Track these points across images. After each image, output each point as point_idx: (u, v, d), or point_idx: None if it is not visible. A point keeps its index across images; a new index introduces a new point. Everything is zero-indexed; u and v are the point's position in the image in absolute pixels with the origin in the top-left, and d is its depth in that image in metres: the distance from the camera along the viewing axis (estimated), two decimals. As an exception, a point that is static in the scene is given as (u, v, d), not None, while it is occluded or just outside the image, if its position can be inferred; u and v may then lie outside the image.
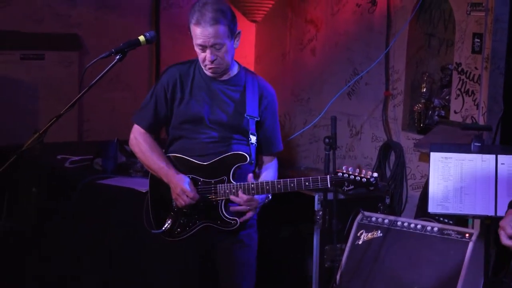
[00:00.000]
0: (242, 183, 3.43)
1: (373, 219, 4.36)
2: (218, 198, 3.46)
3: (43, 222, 4.88)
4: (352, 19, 5.77)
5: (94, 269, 4.57)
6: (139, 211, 4.53)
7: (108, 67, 3.31)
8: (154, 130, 3.61)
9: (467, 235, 4.07)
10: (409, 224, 4.25)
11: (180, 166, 3.51)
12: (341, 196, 5.00)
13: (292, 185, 3.36)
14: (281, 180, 3.39)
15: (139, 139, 3.59)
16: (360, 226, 4.37)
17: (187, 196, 3.42)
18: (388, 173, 5.40)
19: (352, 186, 3.23)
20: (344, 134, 5.79)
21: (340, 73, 5.85)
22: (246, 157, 3.45)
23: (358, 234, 4.35)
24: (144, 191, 4.52)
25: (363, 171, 3.27)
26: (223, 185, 3.46)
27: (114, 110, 6.32)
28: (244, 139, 3.51)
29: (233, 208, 3.47)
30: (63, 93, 5.93)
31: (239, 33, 3.49)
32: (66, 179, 4.88)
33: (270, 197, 3.52)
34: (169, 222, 3.51)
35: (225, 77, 3.54)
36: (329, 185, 3.30)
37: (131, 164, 4.91)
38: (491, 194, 3.75)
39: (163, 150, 3.59)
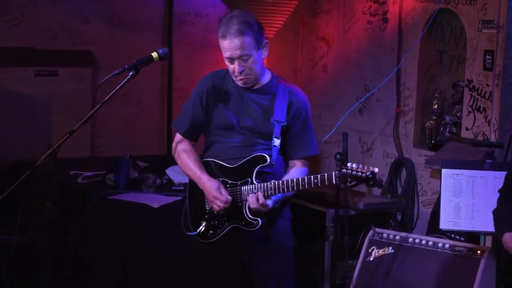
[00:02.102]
0: (262, 184, 3.54)
1: (385, 235, 4.35)
2: (243, 200, 3.58)
3: (56, 237, 4.90)
4: (363, 36, 5.79)
5: (107, 284, 4.58)
6: (151, 226, 4.56)
7: (121, 84, 3.34)
8: (191, 136, 3.76)
9: (478, 252, 4.05)
10: (421, 240, 4.25)
11: (214, 170, 3.66)
12: (353, 212, 5.00)
13: (303, 183, 3.48)
14: (294, 178, 3.50)
15: (177, 146, 3.75)
16: (372, 243, 4.37)
17: (220, 201, 3.56)
18: (400, 190, 5.40)
19: (355, 182, 3.38)
20: (355, 151, 5.79)
21: (352, 90, 5.86)
22: (266, 158, 3.56)
23: (369, 251, 4.35)
24: (156, 207, 4.55)
25: (365, 167, 3.35)
26: (246, 186, 3.58)
27: (126, 126, 6.35)
28: (269, 143, 3.61)
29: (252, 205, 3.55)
30: (76, 109, 5.96)
31: (266, 43, 3.60)
32: (79, 194, 4.90)
33: (278, 205, 3.61)
34: (203, 224, 3.66)
35: (256, 86, 3.65)
36: (334, 181, 3.41)
37: (143, 179, 4.93)
38: (503, 211, 3.73)
39: (199, 155, 3.73)
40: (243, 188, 3.58)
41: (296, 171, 3.68)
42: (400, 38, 5.44)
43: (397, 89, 5.46)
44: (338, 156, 4.59)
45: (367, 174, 3.32)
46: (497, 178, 3.79)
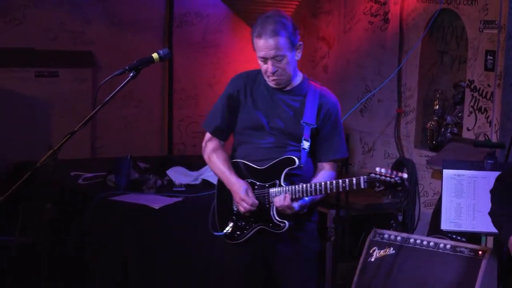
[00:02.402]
0: (290, 186, 3.52)
1: (386, 236, 4.35)
2: (271, 202, 3.56)
3: (57, 238, 4.90)
4: (364, 36, 5.79)
5: (107, 284, 4.58)
6: (152, 227, 4.55)
7: (122, 85, 3.33)
8: (221, 135, 3.74)
9: (480, 252, 4.05)
10: (422, 241, 4.24)
11: (242, 171, 3.64)
12: (354, 213, 5.00)
13: (331, 186, 3.45)
14: (322, 182, 3.48)
15: (207, 145, 3.73)
16: (373, 243, 4.36)
17: (246, 203, 3.54)
18: (401, 190, 5.39)
19: (383, 187, 3.34)
20: (357, 151, 5.79)
21: (352, 90, 5.86)
22: (295, 161, 3.54)
23: (371, 251, 4.34)
24: (156, 208, 4.55)
25: (394, 173, 3.34)
26: (274, 188, 3.56)
27: (127, 127, 6.35)
28: (299, 145, 3.59)
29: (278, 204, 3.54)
30: (77, 110, 5.97)
31: (300, 45, 3.58)
32: (80, 195, 4.90)
33: (305, 210, 3.58)
34: (230, 225, 3.64)
35: (287, 88, 3.64)
36: (362, 186, 3.38)
37: (144, 180, 4.93)
38: (504, 211, 3.73)
39: (229, 155, 3.72)
40: (271, 190, 3.56)
41: (324, 174, 3.64)
42: (401, 39, 5.43)
43: (398, 90, 5.45)
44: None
45: (396, 179, 3.31)
46: (498, 179, 3.77)
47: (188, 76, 6.54)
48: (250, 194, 3.57)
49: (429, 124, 5.26)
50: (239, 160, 3.67)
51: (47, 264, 4.80)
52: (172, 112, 6.48)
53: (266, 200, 3.58)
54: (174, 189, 4.96)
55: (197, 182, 5.07)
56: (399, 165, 5.43)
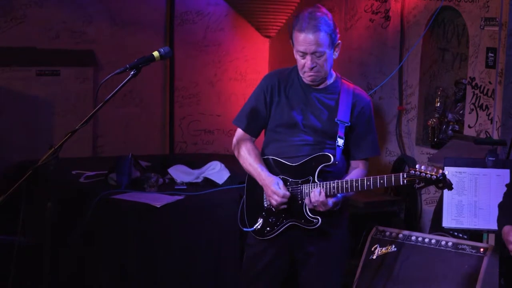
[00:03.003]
0: (324, 183, 3.50)
1: (387, 233, 4.35)
2: (304, 197, 3.54)
3: (58, 237, 4.90)
4: (365, 34, 5.79)
5: (109, 283, 4.59)
6: (154, 226, 4.56)
7: (123, 83, 3.33)
8: (253, 132, 3.71)
9: (481, 249, 4.05)
10: (423, 238, 4.24)
11: (273, 168, 3.62)
12: (355, 210, 5.00)
13: (368, 183, 3.42)
14: (359, 179, 3.45)
15: (238, 141, 3.71)
16: (374, 241, 4.36)
17: (277, 196, 3.51)
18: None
19: (423, 183, 3.30)
20: (358, 149, 5.78)
21: (354, 88, 5.85)
22: (330, 158, 3.51)
23: (372, 249, 4.34)
24: (158, 206, 4.55)
25: (434, 169, 3.30)
26: (308, 184, 3.53)
27: (128, 125, 6.36)
28: (333, 143, 3.58)
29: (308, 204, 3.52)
30: (78, 108, 5.98)
31: (339, 43, 3.56)
32: (81, 194, 4.90)
33: (338, 206, 3.55)
34: (260, 221, 3.63)
35: (321, 86, 3.62)
36: (401, 183, 3.34)
37: (145, 179, 4.93)
38: (505, 208, 3.73)
39: (260, 152, 3.70)
40: (304, 186, 3.54)
41: (357, 172, 3.63)
42: (402, 36, 5.43)
43: (399, 87, 5.46)
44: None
45: (438, 176, 3.26)
46: (499, 176, 3.78)
47: (189, 74, 6.55)
48: (282, 186, 3.53)
49: (430, 122, 5.26)
50: (271, 157, 3.65)
51: (49, 263, 4.80)
52: (173, 110, 6.48)
53: (299, 196, 3.55)
54: (175, 187, 4.96)
55: (199, 180, 5.07)
56: (400, 163, 5.45)
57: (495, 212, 3.74)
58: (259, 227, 3.62)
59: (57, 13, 6.05)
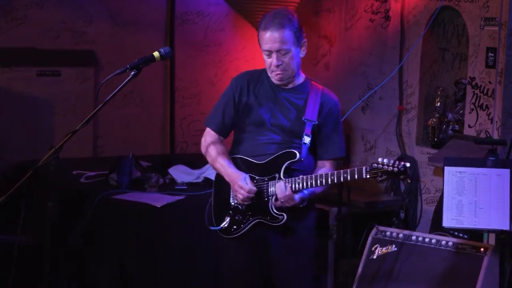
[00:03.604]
0: (290, 178, 3.53)
1: (388, 233, 4.35)
2: (270, 195, 3.57)
3: (58, 237, 4.91)
4: (365, 34, 5.79)
5: (109, 283, 4.59)
6: (154, 226, 4.56)
7: (123, 83, 3.33)
8: (222, 132, 3.77)
9: (482, 249, 4.05)
10: (424, 238, 4.24)
11: (241, 166, 3.66)
12: (356, 211, 5.00)
13: (332, 177, 3.46)
14: (323, 174, 3.49)
15: (207, 141, 3.76)
16: (375, 241, 4.36)
17: (244, 190, 3.55)
18: (403, 188, 5.40)
19: (385, 176, 3.35)
20: (359, 149, 5.79)
21: (354, 88, 5.86)
22: (296, 154, 3.55)
23: (373, 249, 4.35)
24: (159, 206, 4.56)
25: (396, 162, 3.33)
26: (274, 181, 3.57)
27: (128, 126, 6.35)
28: (299, 142, 3.62)
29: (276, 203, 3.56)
30: (79, 109, 5.98)
31: (305, 42, 3.64)
32: (82, 194, 4.91)
33: (305, 203, 3.59)
34: (227, 220, 3.66)
35: (290, 85, 3.67)
36: (364, 176, 3.37)
37: (146, 179, 4.93)
38: (505, 208, 3.73)
39: (228, 151, 3.75)
40: (271, 182, 3.58)
41: (325, 171, 3.63)
42: (402, 36, 5.44)
43: (399, 87, 5.46)
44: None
45: (400, 168, 3.30)
46: (499, 176, 3.78)
47: (189, 74, 6.54)
48: (249, 182, 3.58)
49: (430, 121, 5.26)
50: (238, 156, 3.70)
51: (49, 263, 4.80)
52: (174, 110, 6.48)
53: (265, 193, 3.59)
54: (176, 187, 4.97)
55: (199, 180, 5.07)
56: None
57: (495, 212, 3.75)
58: (226, 225, 3.65)
59: (57, 13, 6.04)
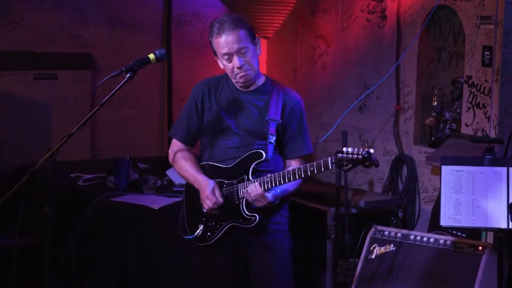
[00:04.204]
0: (258, 178, 3.54)
1: (386, 233, 4.36)
2: (240, 197, 3.58)
3: (57, 240, 4.91)
4: (362, 34, 5.79)
5: (107, 285, 4.60)
6: (152, 228, 4.56)
7: (118, 86, 3.34)
8: (188, 141, 3.78)
9: (480, 248, 4.06)
10: (422, 237, 4.25)
11: (209, 173, 3.67)
12: (354, 210, 5.00)
13: (299, 172, 3.46)
14: (290, 170, 3.49)
15: (174, 151, 3.77)
16: (373, 240, 4.37)
17: (210, 201, 3.56)
18: (401, 187, 5.40)
19: (351, 165, 3.32)
20: (356, 149, 5.78)
21: (351, 88, 5.86)
22: (262, 154, 3.57)
23: (371, 248, 4.35)
24: (156, 208, 4.56)
25: (360, 149, 3.32)
26: (243, 183, 3.58)
27: (126, 128, 6.37)
28: (265, 143, 3.62)
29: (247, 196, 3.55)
30: (76, 112, 5.99)
31: (258, 39, 3.63)
32: (79, 197, 4.91)
33: (277, 202, 3.59)
34: (200, 228, 3.66)
35: (252, 88, 3.68)
36: (330, 167, 3.36)
37: (143, 181, 4.94)
38: (503, 206, 3.73)
39: (196, 158, 3.75)
40: (240, 185, 3.59)
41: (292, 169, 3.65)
42: (399, 35, 5.44)
43: (396, 87, 5.46)
44: (338, 155, 4.60)
45: (363, 154, 3.29)
46: (496, 174, 3.78)
47: (187, 76, 6.55)
48: (217, 192, 3.59)
49: (427, 121, 5.27)
50: (206, 163, 3.70)
51: (49, 265, 4.81)
52: (171, 112, 6.49)
53: (235, 196, 3.60)
54: (174, 189, 4.97)
55: (197, 182, 5.07)
56: (398, 162, 5.45)
57: (492, 210, 3.75)
58: (200, 233, 3.65)
59: (54, 16, 6.05)
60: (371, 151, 3.33)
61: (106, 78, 3.28)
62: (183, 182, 5.03)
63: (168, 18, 6.45)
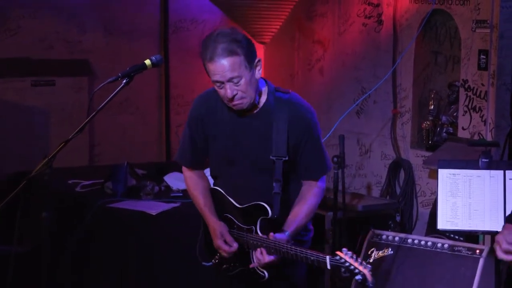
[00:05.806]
0: (266, 241, 3.20)
1: (384, 237, 4.35)
2: (249, 247, 3.31)
3: (55, 246, 4.91)
4: (358, 38, 5.81)
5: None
6: (150, 234, 4.57)
7: (115, 92, 3.33)
8: (196, 165, 3.49)
9: (477, 251, 4.06)
10: (420, 241, 4.25)
11: (220, 202, 3.40)
12: (351, 214, 5.01)
13: (301, 255, 3.10)
14: (293, 251, 3.13)
15: (186, 177, 3.52)
16: (371, 244, 4.37)
17: (224, 252, 3.32)
18: (398, 191, 5.41)
19: (348, 274, 2.99)
20: (354, 153, 5.80)
21: (348, 92, 5.87)
22: (268, 212, 3.21)
23: (369, 252, 4.35)
24: (154, 214, 4.56)
25: (359, 262, 2.98)
26: (251, 235, 3.27)
27: (124, 134, 6.37)
28: (271, 179, 3.27)
29: (253, 265, 3.30)
30: (74, 118, 5.99)
31: (259, 60, 3.21)
32: (77, 203, 4.91)
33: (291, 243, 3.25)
34: (217, 257, 3.42)
35: (254, 110, 3.28)
36: (328, 267, 3.01)
37: (141, 187, 4.94)
38: (499, 209, 3.75)
39: (207, 184, 3.50)
40: (248, 236, 3.28)
41: (305, 198, 3.34)
42: (395, 40, 5.45)
43: (393, 91, 5.47)
44: (335, 159, 4.62)
45: (362, 276, 2.97)
46: (493, 177, 3.79)
47: (184, 81, 6.56)
48: (227, 238, 3.31)
49: (424, 124, 5.28)
50: (217, 188, 3.43)
51: (47, 272, 4.81)
52: (169, 118, 6.50)
53: (245, 244, 3.30)
54: (171, 194, 4.97)
55: (195, 187, 5.07)
56: (396, 166, 5.46)
57: (489, 213, 3.76)
58: (216, 262, 3.41)
59: (51, 23, 6.06)
60: (367, 276, 2.98)
61: (102, 84, 3.27)
62: (181, 187, 5.07)
63: (165, 24, 6.46)
